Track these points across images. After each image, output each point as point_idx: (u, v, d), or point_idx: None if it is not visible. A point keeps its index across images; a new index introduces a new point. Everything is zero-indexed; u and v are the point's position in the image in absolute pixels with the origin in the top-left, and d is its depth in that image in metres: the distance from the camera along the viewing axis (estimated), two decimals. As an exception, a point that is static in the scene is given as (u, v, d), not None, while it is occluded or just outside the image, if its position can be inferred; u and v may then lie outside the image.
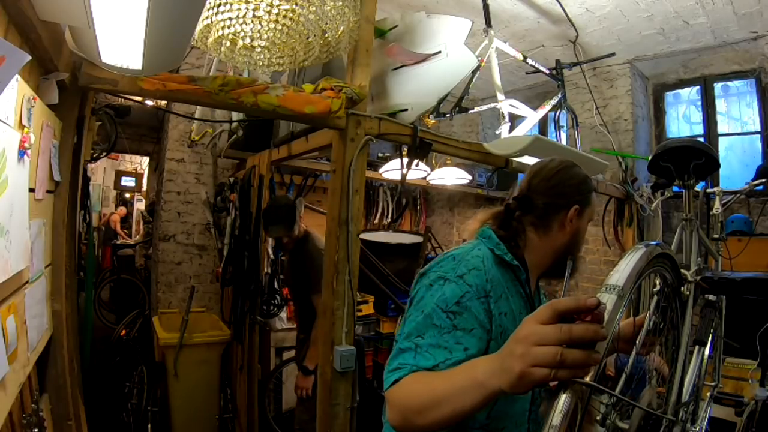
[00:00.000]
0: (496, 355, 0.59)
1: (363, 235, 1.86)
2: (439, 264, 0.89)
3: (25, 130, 0.96)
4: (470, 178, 3.64)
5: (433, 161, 3.77)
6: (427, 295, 0.83)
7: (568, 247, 0.98)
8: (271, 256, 2.98)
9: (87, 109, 1.63)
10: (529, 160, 2.12)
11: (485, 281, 0.84)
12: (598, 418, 0.77)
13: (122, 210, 7.86)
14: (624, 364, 1.00)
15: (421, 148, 1.86)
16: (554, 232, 0.97)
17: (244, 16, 1.27)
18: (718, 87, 3.72)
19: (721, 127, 3.72)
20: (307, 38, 1.44)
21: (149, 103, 3.49)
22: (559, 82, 3.06)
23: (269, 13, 1.28)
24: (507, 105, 2.53)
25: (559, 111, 3.06)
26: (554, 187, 0.99)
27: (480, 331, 0.79)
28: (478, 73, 2.45)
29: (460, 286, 0.81)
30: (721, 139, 3.72)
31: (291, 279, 2.60)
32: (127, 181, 8.22)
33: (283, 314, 3.19)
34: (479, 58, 2.40)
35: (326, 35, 1.49)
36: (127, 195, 8.49)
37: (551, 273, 1.03)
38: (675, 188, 1.64)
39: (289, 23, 1.31)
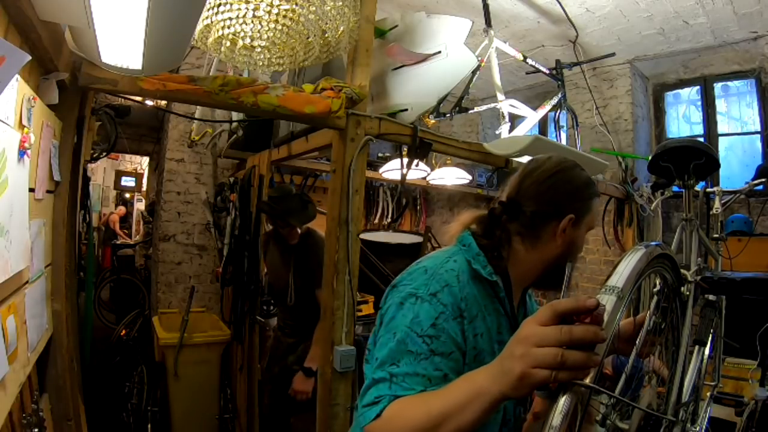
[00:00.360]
0: (495, 361, 0.58)
1: (363, 235, 1.86)
2: (411, 276, 0.82)
3: (25, 130, 0.96)
4: (470, 178, 3.64)
5: (433, 161, 3.77)
6: (399, 315, 0.76)
7: (559, 259, 0.87)
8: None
9: (87, 109, 1.64)
10: (529, 160, 2.12)
11: (459, 299, 0.77)
12: (597, 418, 0.77)
13: (121, 209, 7.85)
14: (623, 363, 1.00)
15: (421, 148, 1.86)
16: (544, 243, 0.86)
17: (244, 16, 1.27)
18: (718, 87, 3.72)
19: (721, 127, 3.72)
20: (307, 38, 1.44)
21: (149, 103, 3.49)
22: (559, 82, 3.06)
23: (269, 13, 1.28)
24: (507, 105, 2.53)
25: (559, 111, 3.06)
26: (546, 193, 0.87)
27: (458, 354, 0.74)
28: (478, 73, 2.45)
29: (434, 306, 0.74)
30: (721, 139, 3.72)
31: (295, 278, 2.43)
32: (127, 181, 8.23)
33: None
34: (479, 58, 2.40)
35: (326, 35, 1.49)
36: (127, 195, 8.49)
37: (540, 284, 0.94)
38: (675, 188, 1.64)
39: (289, 23, 1.31)
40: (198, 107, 2.94)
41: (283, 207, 2.29)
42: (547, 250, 0.87)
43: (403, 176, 2.15)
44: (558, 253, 0.87)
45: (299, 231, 2.37)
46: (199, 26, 1.34)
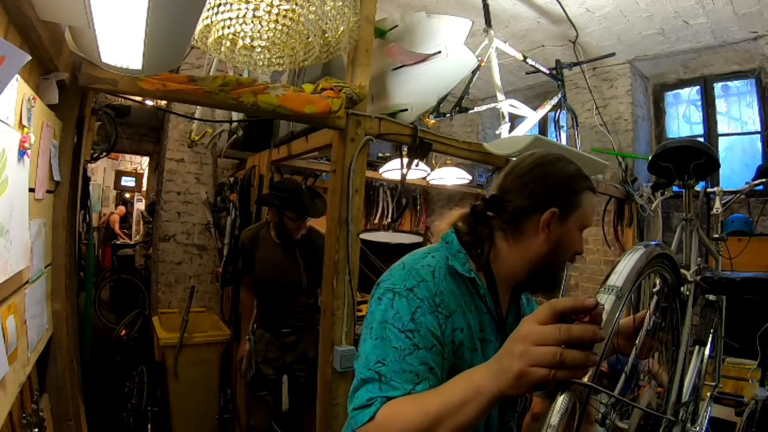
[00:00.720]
0: (493, 359, 0.58)
1: (363, 235, 1.87)
2: (390, 272, 0.83)
3: (25, 130, 0.97)
4: (470, 178, 3.64)
5: (433, 161, 3.77)
6: (377, 312, 0.76)
7: (546, 259, 0.84)
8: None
9: (87, 109, 1.64)
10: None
11: (434, 294, 0.77)
12: (597, 418, 0.77)
13: (121, 209, 7.84)
14: (619, 361, 0.99)
15: (421, 148, 1.87)
16: (527, 239, 0.84)
17: (244, 16, 1.27)
18: (718, 87, 3.72)
19: (721, 127, 3.72)
20: (307, 38, 1.45)
21: (149, 103, 3.50)
22: (559, 82, 3.06)
23: (269, 13, 1.28)
24: (507, 105, 2.53)
25: (559, 111, 3.06)
26: (526, 186, 0.85)
27: (439, 347, 0.74)
28: (478, 73, 2.45)
29: (411, 300, 0.75)
30: (721, 139, 3.72)
31: (307, 275, 2.33)
32: (127, 181, 8.22)
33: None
34: (479, 58, 2.40)
35: (326, 35, 1.49)
36: (127, 195, 8.49)
37: (529, 286, 0.91)
38: (675, 188, 1.64)
39: (289, 23, 1.32)
40: (198, 107, 2.95)
41: (299, 200, 2.24)
42: (530, 247, 0.84)
43: (403, 176, 2.15)
44: (544, 251, 0.83)
45: (306, 226, 2.34)
46: (199, 26, 1.35)
